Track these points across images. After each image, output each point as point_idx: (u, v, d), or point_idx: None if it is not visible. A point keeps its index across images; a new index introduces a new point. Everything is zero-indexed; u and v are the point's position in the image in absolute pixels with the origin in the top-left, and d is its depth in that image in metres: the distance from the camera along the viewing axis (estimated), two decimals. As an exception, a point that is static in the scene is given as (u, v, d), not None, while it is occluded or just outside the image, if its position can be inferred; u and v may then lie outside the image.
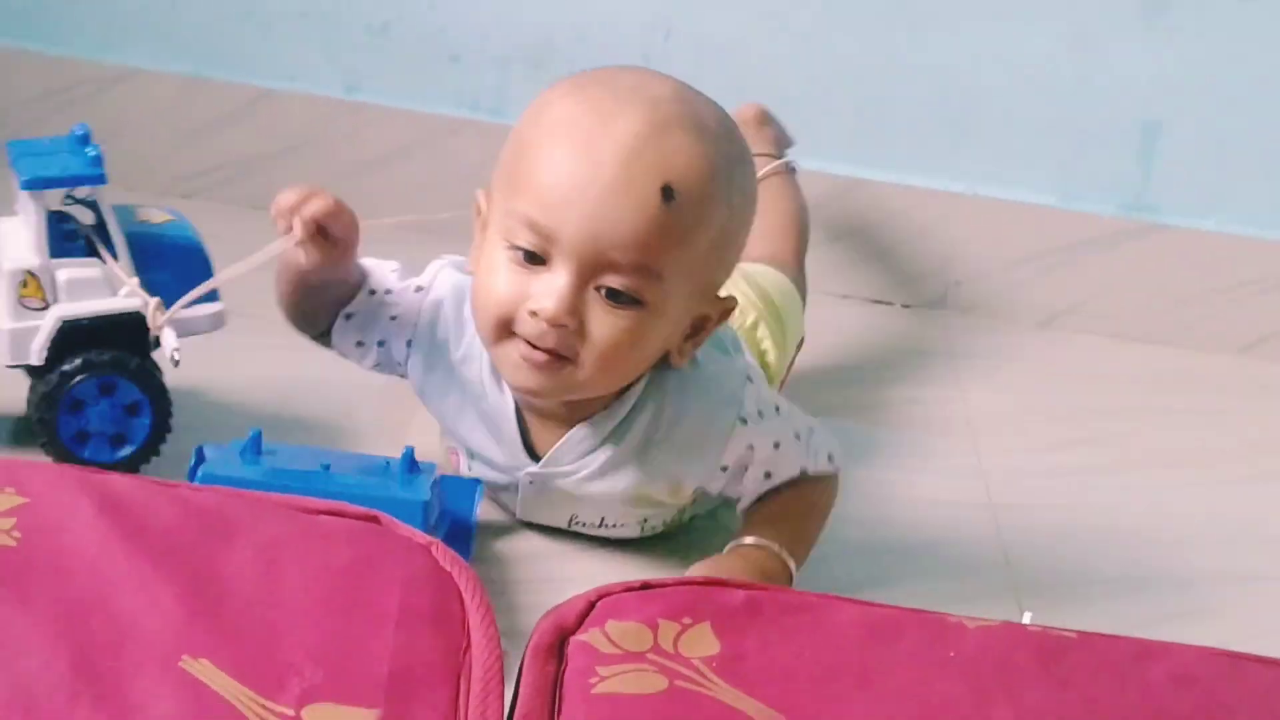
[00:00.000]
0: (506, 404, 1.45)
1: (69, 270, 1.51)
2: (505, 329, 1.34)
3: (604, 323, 1.31)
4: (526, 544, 1.55)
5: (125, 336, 1.52)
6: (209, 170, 2.37)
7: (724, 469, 1.46)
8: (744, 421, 1.43)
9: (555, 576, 1.50)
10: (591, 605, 1.13)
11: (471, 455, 1.52)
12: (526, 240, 1.31)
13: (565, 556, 1.54)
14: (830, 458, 1.52)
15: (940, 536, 1.67)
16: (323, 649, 1.04)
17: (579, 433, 1.44)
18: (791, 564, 1.44)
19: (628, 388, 1.42)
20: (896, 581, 1.55)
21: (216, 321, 1.55)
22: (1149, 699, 1.10)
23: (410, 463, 1.44)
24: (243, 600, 1.07)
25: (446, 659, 1.05)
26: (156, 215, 1.59)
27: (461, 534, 1.51)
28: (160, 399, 1.54)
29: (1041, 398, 2.09)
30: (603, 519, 1.52)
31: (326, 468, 1.43)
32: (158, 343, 1.52)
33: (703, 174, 1.30)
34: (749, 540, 1.45)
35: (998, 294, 2.35)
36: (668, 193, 1.28)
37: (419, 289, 1.48)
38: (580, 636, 1.10)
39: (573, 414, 1.43)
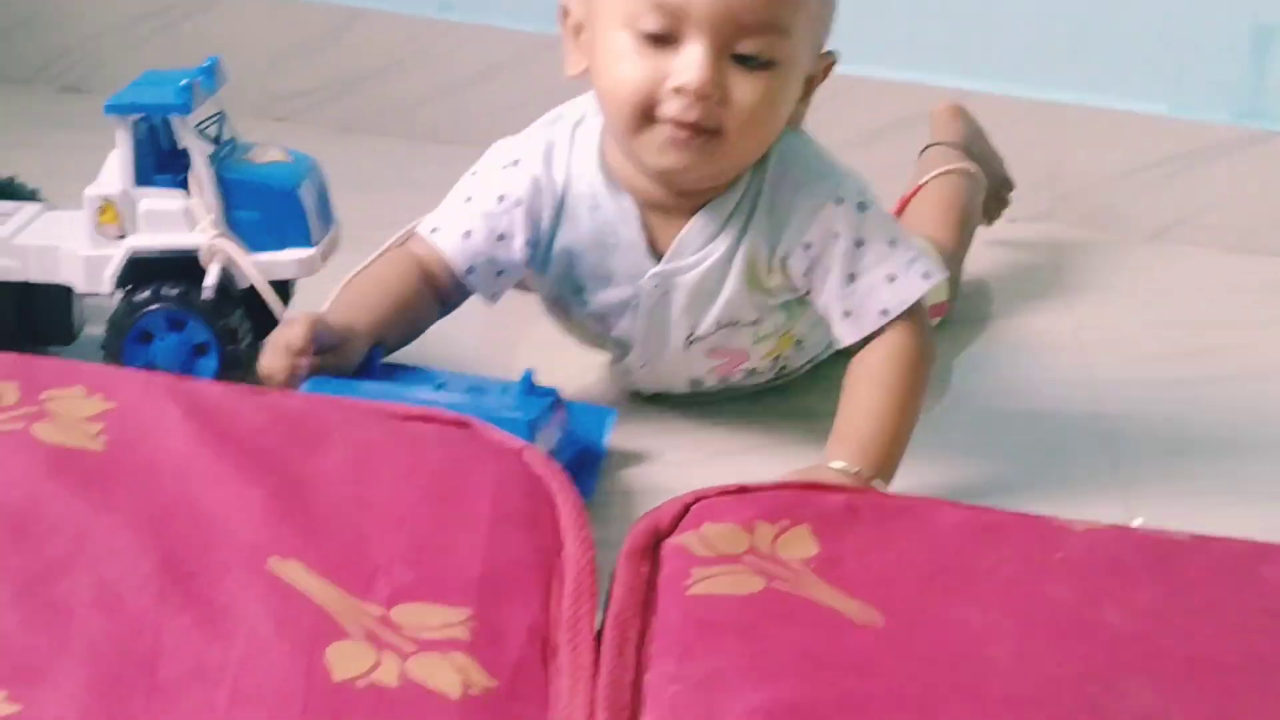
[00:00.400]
0: (626, 207, 1.45)
1: (150, 200, 1.48)
2: (646, 115, 1.34)
3: (744, 88, 1.33)
4: (624, 457, 1.52)
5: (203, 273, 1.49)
6: (303, 92, 2.35)
7: (807, 246, 1.43)
8: (838, 201, 1.42)
9: (653, 488, 1.47)
10: (686, 509, 1.11)
11: (588, 291, 1.50)
12: (654, 23, 1.31)
13: (665, 467, 1.51)
14: (927, 275, 1.44)
15: (1050, 446, 1.63)
16: (413, 550, 1.02)
17: (700, 219, 1.44)
18: (883, 487, 1.37)
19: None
20: (1005, 490, 1.51)
21: (306, 268, 1.50)
22: (1265, 598, 1.06)
23: (529, 385, 1.41)
24: (331, 502, 1.06)
25: (539, 560, 1.03)
26: (270, 154, 1.55)
27: (588, 462, 1.45)
28: (229, 341, 1.48)
29: (1152, 311, 2.04)
30: (718, 328, 1.49)
31: (440, 386, 1.41)
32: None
33: None
34: (837, 464, 1.37)
35: (1106, 207, 2.30)
36: None
37: (501, 197, 1.48)
38: (675, 539, 1.08)
39: (694, 202, 1.44)
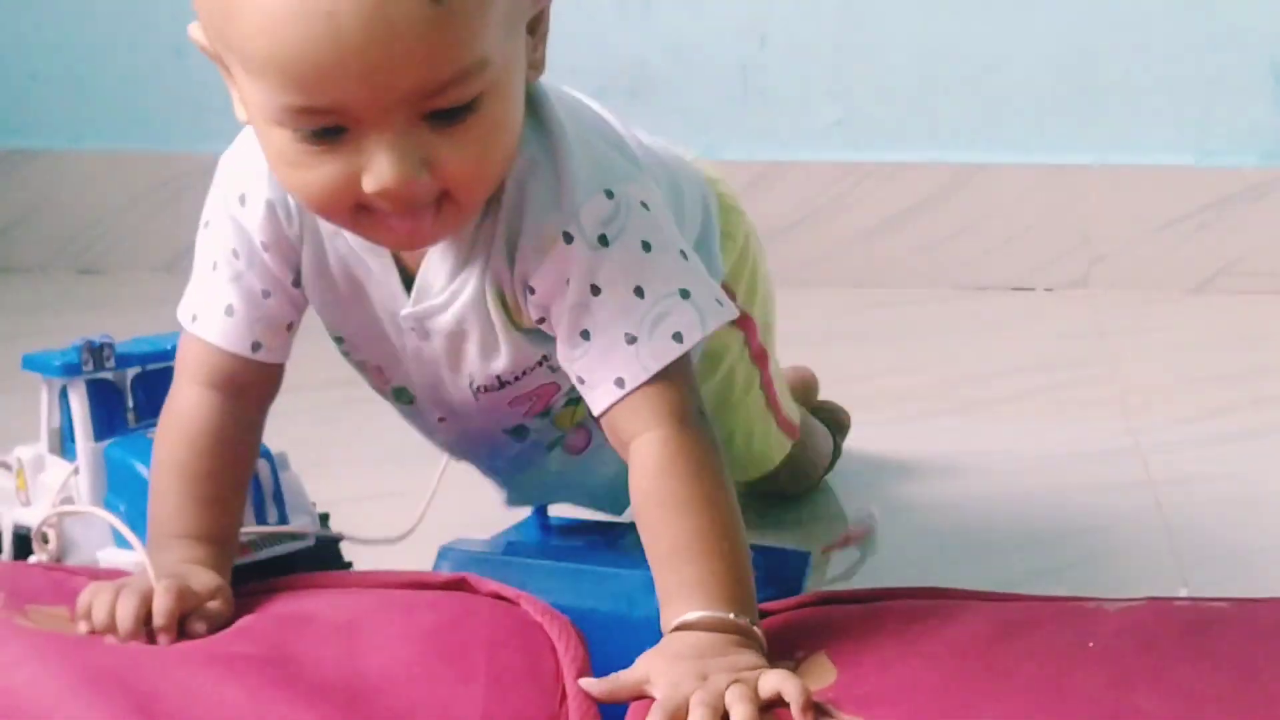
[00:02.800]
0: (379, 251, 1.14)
1: (49, 471, 1.39)
2: (349, 211, 1.02)
3: (454, 151, 0.99)
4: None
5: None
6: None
7: (531, 290, 1.09)
8: (568, 239, 1.07)
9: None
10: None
11: (346, 340, 1.22)
12: (309, 126, 0.98)
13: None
14: (679, 336, 1.07)
15: (1099, 521, 1.58)
16: (412, 709, 0.98)
17: (438, 251, 1.12)
18: (755, 628, 1.03)
19: None
20: (1056, 571, 1.47)
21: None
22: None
23: None
24: (324, 670, 1.01)
25: (541, 714, 0.98)
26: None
27: None
28: None
29: (1198, 365, 1.99)
30: (501, 383, 1.18)
31: (593, 543, 1.26)
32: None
33: None
34: (686, 616, 1.02)
35: (1143, 264, 2.25)
36: None
37: (235, 251, 1.16)
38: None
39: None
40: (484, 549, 1.24)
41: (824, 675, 1.02)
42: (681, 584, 1.02)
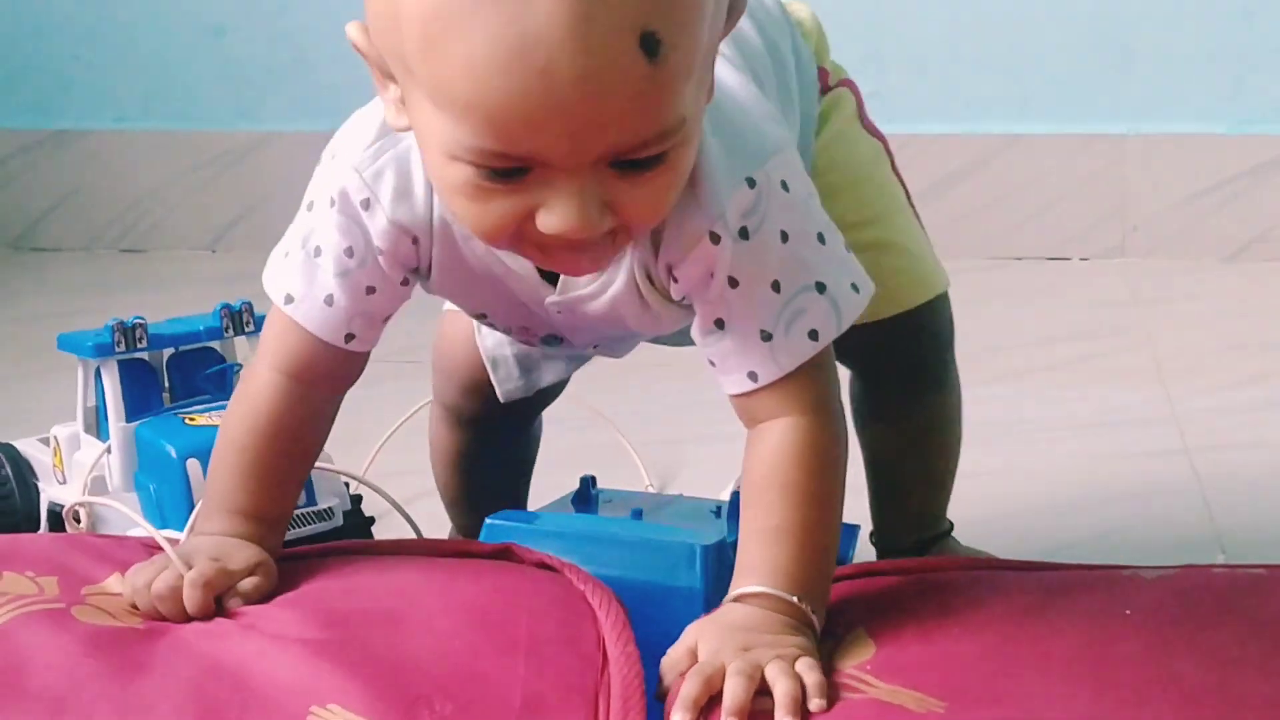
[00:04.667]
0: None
1: (83, 450, 1.41)
2: (522, 241, 0.99)
3: (636, 193, 0.95)
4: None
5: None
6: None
7: (674, 279, 1.07)
8: (715, 239, 1.03)
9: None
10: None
11: (490, 316, 1.20)
12: (497, 167, 0.94)
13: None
14: (814, 335, 1.05)
15: (1136, 489, 1.59)
16: (452, 680, 0.99)
17: None
18: (814, 617, 1.03)
19: None
20: (1092, 540, 1.48)
21: None
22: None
23: (739, 507, 1.18)
24: (367, 641, 1.03)
25: (582, 681, 0.99)
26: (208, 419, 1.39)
27: None
28: None
29: (1234, 333, 1.99)
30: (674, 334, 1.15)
31: (638, 514, 1.25)
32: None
33: None
34: (751, 588, 1.03)
35: (1179, 232, 2.25)
36: (649, 43, 0.89)
37: (350, 250, 1.11)
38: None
39: None
40: (529, 521, 1.26)
41: (862, 650, 1.03)
42: (764, 560, 1.02)
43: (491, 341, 1.30)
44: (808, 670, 0.95)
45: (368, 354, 1.16)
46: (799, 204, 1.05)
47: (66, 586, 1.11)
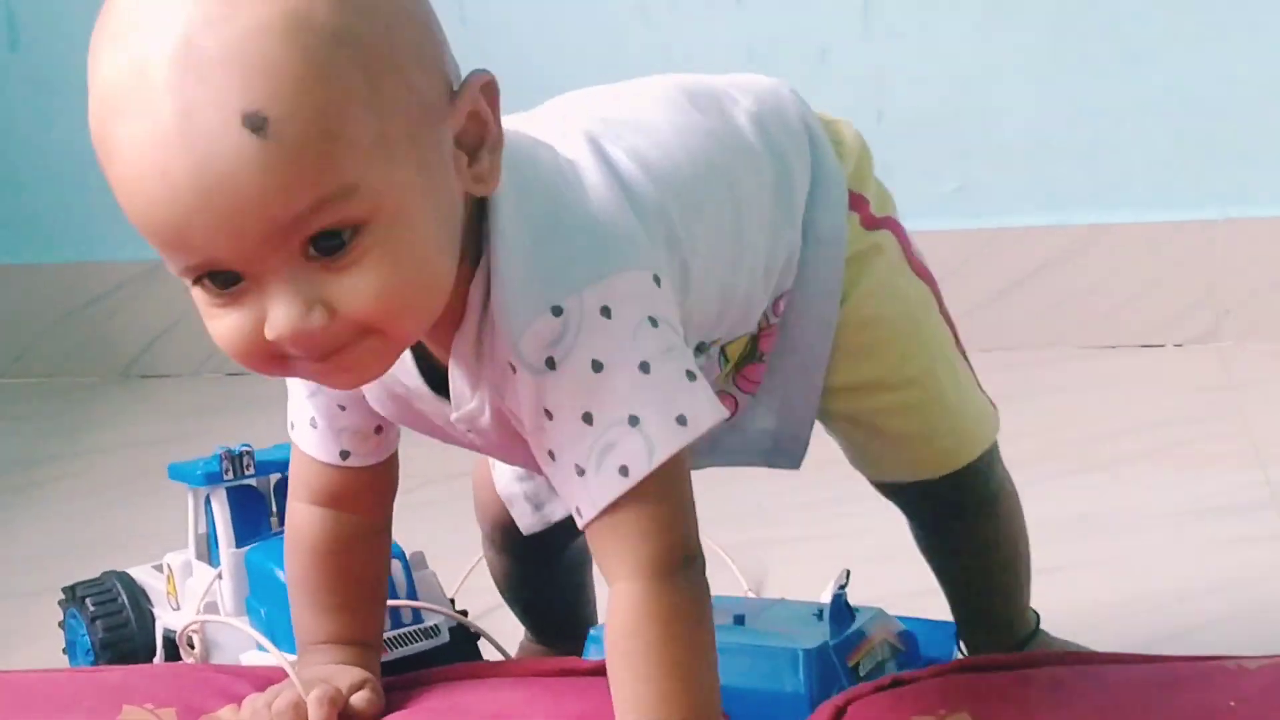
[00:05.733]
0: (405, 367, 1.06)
1: (196, 576, 1.42)
2: (271, 357, 0.92)
3: (347, 283, 0.89)
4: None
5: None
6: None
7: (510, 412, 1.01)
8: (512, 369, 0.97)
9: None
10: (840, 711, 1.08)
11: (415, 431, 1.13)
12: (194, 276, 0.91)
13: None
14: (625, 471, 0.96)
15: (1236, 577, 1.58)
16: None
17: (453, 364, 1.02)
18: None
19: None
20: (1195, 629, 1.47)
21: None
22: None
23: (839, 607, 1.22)
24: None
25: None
26: None
27: None
28: None
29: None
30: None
31: (739, 620, 1.24)
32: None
33: (280, 59, 0.86)
34: None
35: (1271, 316, 2.25)
36: (254, 122, 0.85)
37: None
38: (833, 746, 1.05)
39: (448, 335, 1.01)
40: None
41: (966, 733, 1.05)
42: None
43: (504, 479, 1.30)
44: None
45: (388, 469, 1.14)
46: (621, 331, 0.97)
47: (184, 718, 1.14)
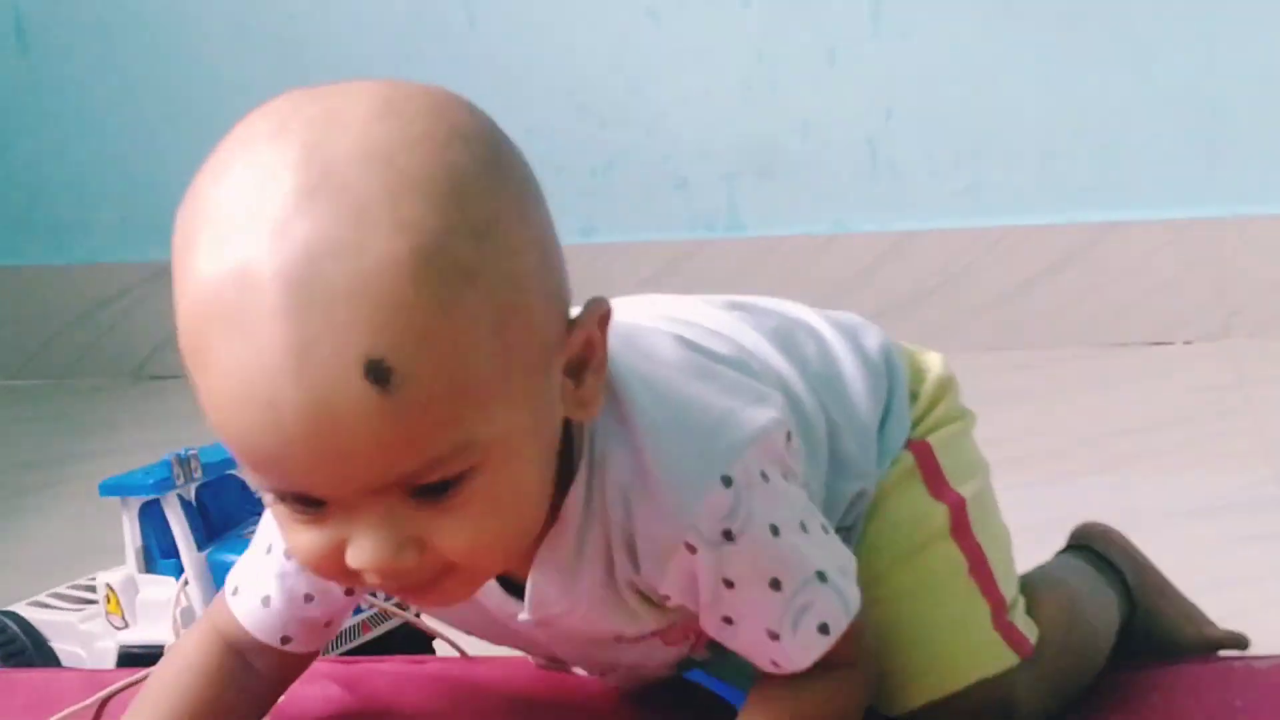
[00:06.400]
0: None
1: (148, 589, 1.40)
2: (349, 575, 0.88)
3: (445, 525, 0.85)
4: None
5: None
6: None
7: (666, 598, 0.97)
8: (690, 548, 0.93)
9: None
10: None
11: (470, 633, 1.09)
12: (269, 490, 0.87)
13: None
14: (825, 628, 0.96)
15: (1246, 574, 1.58)
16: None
17: (538, 575, 0.97)
18: None
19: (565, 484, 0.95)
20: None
21: None
22: None
23: None
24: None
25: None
26: None
27: None
28: None
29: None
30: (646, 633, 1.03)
31: None
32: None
33: (410, 301, 0.80)
34: None
35: (1281, 313, 2.25)
36: (377, 372, 0.79)
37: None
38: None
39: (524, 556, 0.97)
40: None
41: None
42: None
43: None
44: None
45: (314, 655, 1.09)
46: (780, 493, 0.96)
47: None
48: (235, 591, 1.06)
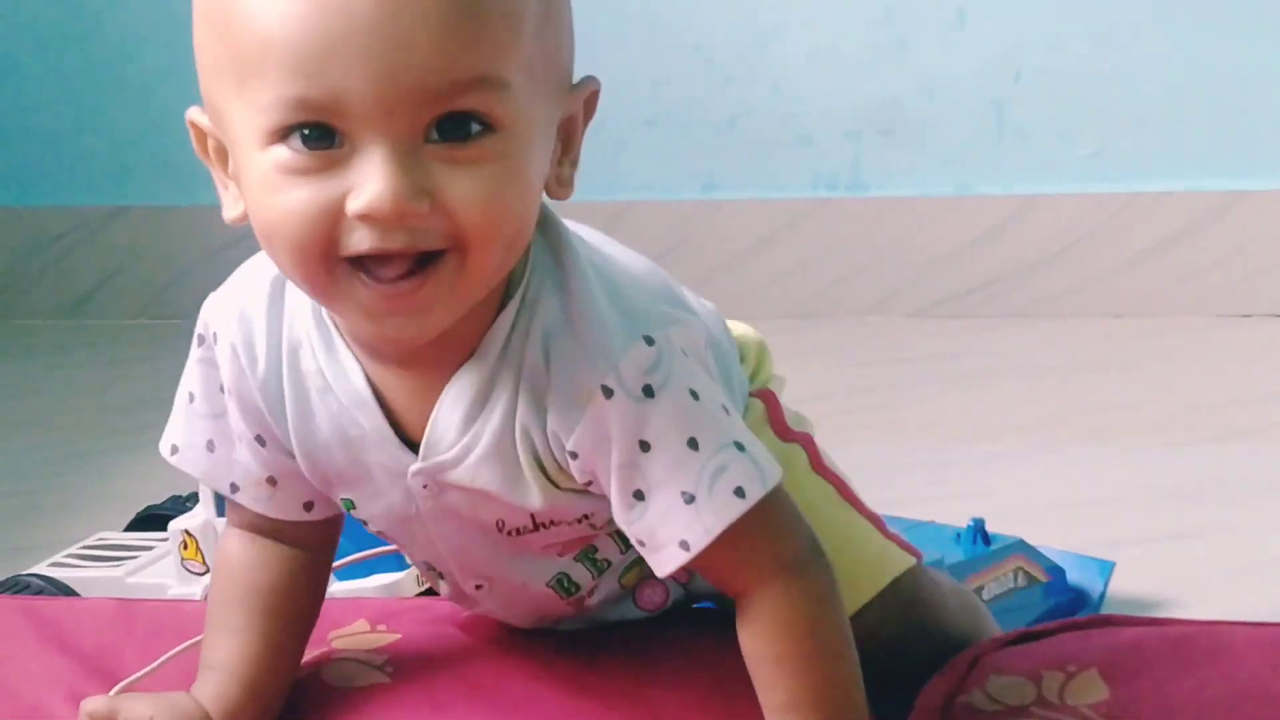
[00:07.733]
0: (357, 385, 0.99)
1: None
2: (328, 260, 0.87)
3: (461, 177, 0.86)
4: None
5: None
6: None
7: (574, 455, 0.95)
8: (607, 393, 0.93)
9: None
10: (973, 663, 1.09)
11: (357, 506, 1.05)
12: (300, 121, 0.86)
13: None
14: (740, 492, 0.94)
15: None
16: None
17: (449, 395, 0.96)
18: None
19: (495, 316, 0.95)
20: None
21: (392, 591, 1.35)
22: None
23: (975, 534, 1.30)
24: (612, 698, 1.07)
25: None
26: None
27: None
28: None
29: None
30: (535, 527, 1.02)
31: None
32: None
33: None
34: None
35: None
36: None
37: (191, 395, 1.05)
38: (963, 698, 1.06)
39: (438, 369, 0.97)
40: None
41: (1094, 691, 1.05)
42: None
43: None
44: None
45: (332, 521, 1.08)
46: (699, 373, 0.96)
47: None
48: (175, 449, 1.06)
